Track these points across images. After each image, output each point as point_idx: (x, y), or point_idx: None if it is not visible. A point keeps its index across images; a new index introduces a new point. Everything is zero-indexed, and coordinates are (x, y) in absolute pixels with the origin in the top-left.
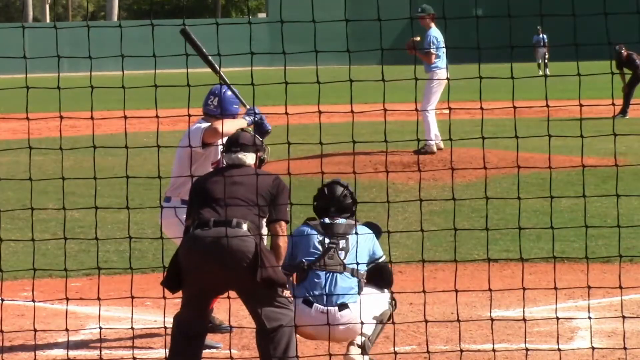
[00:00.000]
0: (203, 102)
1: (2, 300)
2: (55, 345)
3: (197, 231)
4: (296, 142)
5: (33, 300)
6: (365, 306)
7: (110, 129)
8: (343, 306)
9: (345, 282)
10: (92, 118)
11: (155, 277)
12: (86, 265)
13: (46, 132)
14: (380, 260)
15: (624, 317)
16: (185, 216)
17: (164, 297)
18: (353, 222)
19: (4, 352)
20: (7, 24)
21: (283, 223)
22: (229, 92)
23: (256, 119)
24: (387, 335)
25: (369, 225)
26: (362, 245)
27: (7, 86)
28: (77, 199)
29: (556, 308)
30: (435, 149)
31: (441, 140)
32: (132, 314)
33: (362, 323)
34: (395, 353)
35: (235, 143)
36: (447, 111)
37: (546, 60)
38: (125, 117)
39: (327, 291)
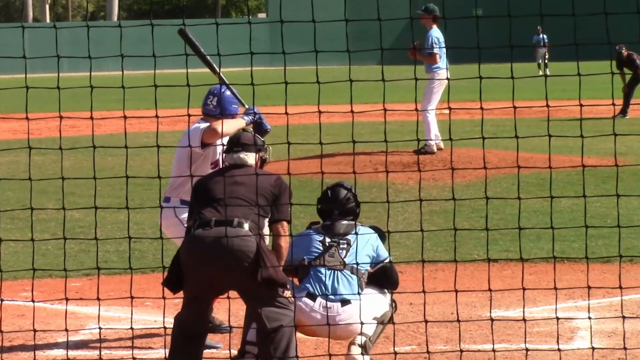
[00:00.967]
0: (202, 102)
1: (2, 300)
2: (55, 345)
3: (198, 231)
4: (296, 142)
5: (33, 301)
6: (366, 306)
7: (110, 129)
8: (345, 302)
9: (346, 280)
10: (91, 118)
11: (155, 277)
12: (86, 265)
13: (46, 132)
14: (386, 261)
15: (624, 317)
16: (184, 216)
17: (164, 297)
18: (356, 223)
19: (4, 352)
20: (7, 24)
21: (285, 223)
22: (228, 92)
23: (255, 118)
24: (387, 335)
25: (373, 228)
26: (362, 245)
27: (7, 86)
28: (77, 199)
29: (556, 308)
30: (435, 149)
31: (441, 140)
32: (131, 314)
33: (361, 323)
34: (395, 353)
35: (237, 143)
36: (447, 111)
37: (546, 61)
38: (125, 117)
39: (330, 287)
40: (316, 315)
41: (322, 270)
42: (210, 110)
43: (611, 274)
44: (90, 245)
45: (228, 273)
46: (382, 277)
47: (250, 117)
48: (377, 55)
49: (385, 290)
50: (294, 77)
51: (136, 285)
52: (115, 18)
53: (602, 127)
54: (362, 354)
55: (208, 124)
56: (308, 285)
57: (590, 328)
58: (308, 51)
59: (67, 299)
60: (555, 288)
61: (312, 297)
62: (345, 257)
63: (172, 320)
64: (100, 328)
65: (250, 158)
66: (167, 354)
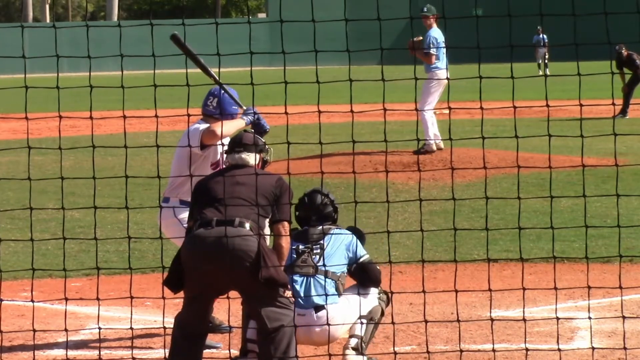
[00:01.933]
0: (202, 103)
1: (2, 300)
2: (55, 345)
3: (199, 230)
4: (296, 142)
5: (32, 301)
6: (346, 307)
7: (110, 129)
8: (319, 308)
9: (319, 285)
10: (91, 118)
11: (155, 277)
12: (86, 265)
13: (46, 132)
14: (363, 259)
15: (624, 317)
16: (184, 216)
17: (164, 297)
18: (330, 227)
19: (4, 352)
20: (6, 24)
21: (286, 223)
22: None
23: (254, 118)
24: (387, 335)
25: (352, 229)
26: (336, 247)
27: (7, 86)
28: (77, 199)
29: (556, 308)
30: (434, 147)
31: (441, 140)
32: (131, 314)
33: (342, 324)
34: (395, 353)
35: (238, 143)
36: (447, 111)
37: (546, 61)
38: (125, 117)
39: (303, 294)
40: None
41: (295, 277)
42: (210, 111)
43: (611, 274)
44: (90, 245)
45: (229, 273)
46: (361, 276)
47: (249, 118)
48: (377, 55)
49: (371, 288)
50: (294, 77)
51: (136, 285)
52: (115, 18)
53: (602, 127)
54: (356, 355)
55: (207, 124)
56: None
57: (590, 328)
58: (308, 51)
59: (67, 299)
60: (555, 288)
61: None
62: (318, 262)
63: (172, 320)
64: (100, 328)
65: (252, 158)
66: (167, 354)
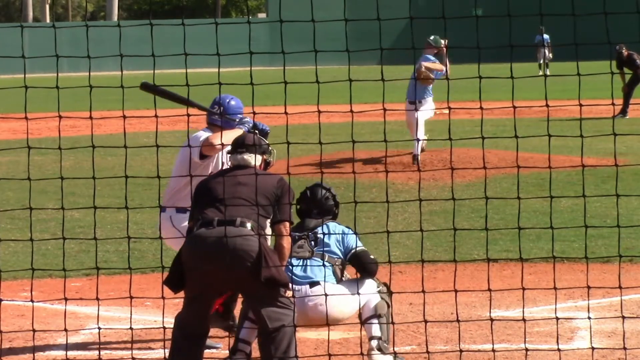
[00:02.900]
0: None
1: (2, 300)
2: (55, 345)
3: (201, 230)
4: (296, 142)
5: (32, 301)
6: (345, 290)
7: (110, 129)
8: (314, 283)
9: (316, 266)
10: (91, 118)
11: (154, 277)
12: (86, 265)
13: (46, 132)
14: (358, 249)
15: (623, 317)
16: (183, 225)
17: (164, 297)
18: (327, 219)
19: (4, 352)
20: (6, 24)
21: (287, 224)
22: (233, 102)
23: (249, 126)
24: None
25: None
26: (332, 237)
27: (7, 86)
28: (76, 199)
29: (556, 308)
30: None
31: (426, 141)
32: (131, 314)
33: (339, 305)
34: (395, 353)
35: (241, 144)
36: (447, 111)
37: (547, 61)
38: (125, 117)
39: (299, 274)
40: None
41: (292, 261)
42: (214, 120)
43: (611, 274)
44: (90, 245)
45: (230, 272)
46: (358, 266)
47: (247, 127)
48: (377, 55)
49: (370, 283)
50: (294, 77)
51: (136, 285)
52: (115, 18)
53: (602, 127)
54: (382, 355)
55: (210, 133)
56: None
57: (590, 328)
58: (308, 51)
59: (66, 299)
60: (555, 288)
61: None
62: (314, 247)
63: (172, 320)
64: (100, 328)
65: (253, 160)
66: (167, 354)
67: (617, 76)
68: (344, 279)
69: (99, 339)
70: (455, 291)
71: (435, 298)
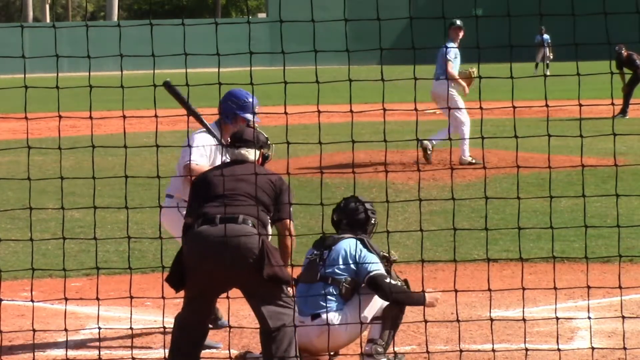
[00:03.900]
0: (221, 105)
1: (2, 300)
2: (55, 345)
3: (203, 227)
4: (296, 142)
5: (32, 301)
6: (349, 312)
7: (110, 129)
8: (315, 316)
9: (318, 292)
10: (91, 118)
11: (155, 277)
12: (86, 265)
13: (46, 132)
14: (373, 273)
15: (623, 317)
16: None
17: (164, 297)
18: (349, 236)
19: (4, 352)
20: (6, 24)
21: (288, 221)
22: (254, 102)
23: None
24: None
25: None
26: (341, 253)
27: (7, 86)
28: (77, 199)
29: (556, 308)
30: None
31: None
32: (131, 314)
33: (344, 332)
34: (396, 353)
35: (239, 139)
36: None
37: (548, 61)
38: (125, 117)
39: (303, 303)
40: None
41: (302, 286)
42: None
43: (611, 274)
44: (90, 245)
45: (232, 271)
46: (375, 291)
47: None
48: (377, 55)
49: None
50: (294, 77)
51: (136, 285)
52: (115, 18)
53: (602, 127)
54: (374, 356)
55: (205, 135)
56: None
57: (590, 328)
58: (308, 51)
59: (66, 299)
60: (555, 288)
61: None
62: (321, 269)
63: (172, 320)
64: (100, 328)
65: (251, 154)
66: (167, 354)
67: (617, 76)
68: (354, 298)
69: (99, 339)
70: (456, 291)
71: None
